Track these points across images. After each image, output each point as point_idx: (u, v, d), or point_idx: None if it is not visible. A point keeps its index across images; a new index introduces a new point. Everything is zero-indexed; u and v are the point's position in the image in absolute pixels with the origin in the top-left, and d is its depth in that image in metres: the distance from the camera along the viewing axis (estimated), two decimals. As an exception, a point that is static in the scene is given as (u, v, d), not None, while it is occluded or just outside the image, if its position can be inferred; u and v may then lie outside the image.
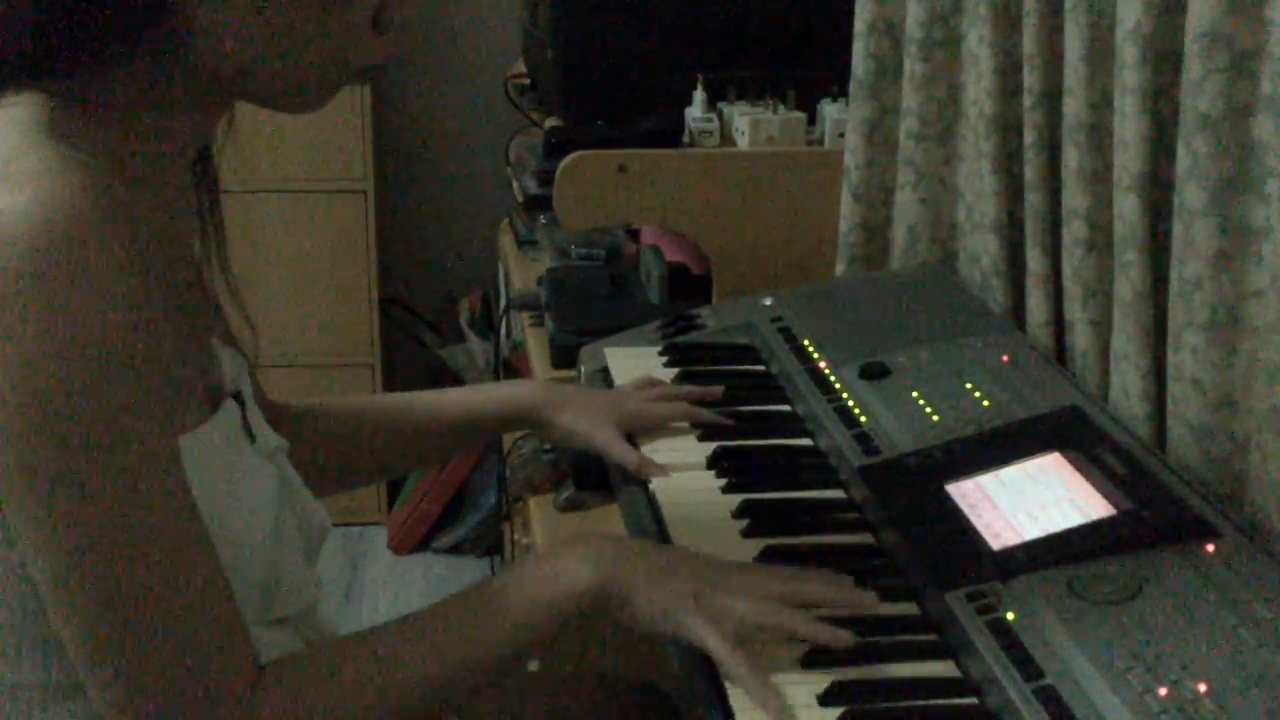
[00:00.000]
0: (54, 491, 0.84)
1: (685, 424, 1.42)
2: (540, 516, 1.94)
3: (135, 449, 0.85)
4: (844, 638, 1.01)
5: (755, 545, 1.18)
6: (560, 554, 1.05)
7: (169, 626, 0.87)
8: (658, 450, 1.37)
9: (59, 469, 0.83)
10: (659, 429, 1.41)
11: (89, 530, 0.85)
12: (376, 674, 0.96)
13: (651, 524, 1.27)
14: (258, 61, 0.94)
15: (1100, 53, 1.39)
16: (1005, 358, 1.43)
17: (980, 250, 1.66)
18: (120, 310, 0.83)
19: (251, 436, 1.06)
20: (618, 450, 1.36)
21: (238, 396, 1.06)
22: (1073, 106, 1.42)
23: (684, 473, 1.33)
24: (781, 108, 1.93)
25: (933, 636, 1.06)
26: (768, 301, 1.68)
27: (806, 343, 1.54)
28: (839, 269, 1.86)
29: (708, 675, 1.02)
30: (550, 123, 2.15)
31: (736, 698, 0.98)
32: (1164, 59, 1.29)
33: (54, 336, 0.82)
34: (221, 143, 1.08)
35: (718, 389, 1.45)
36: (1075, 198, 1.44)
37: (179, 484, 0.88)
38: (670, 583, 1.03)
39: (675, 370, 1.55)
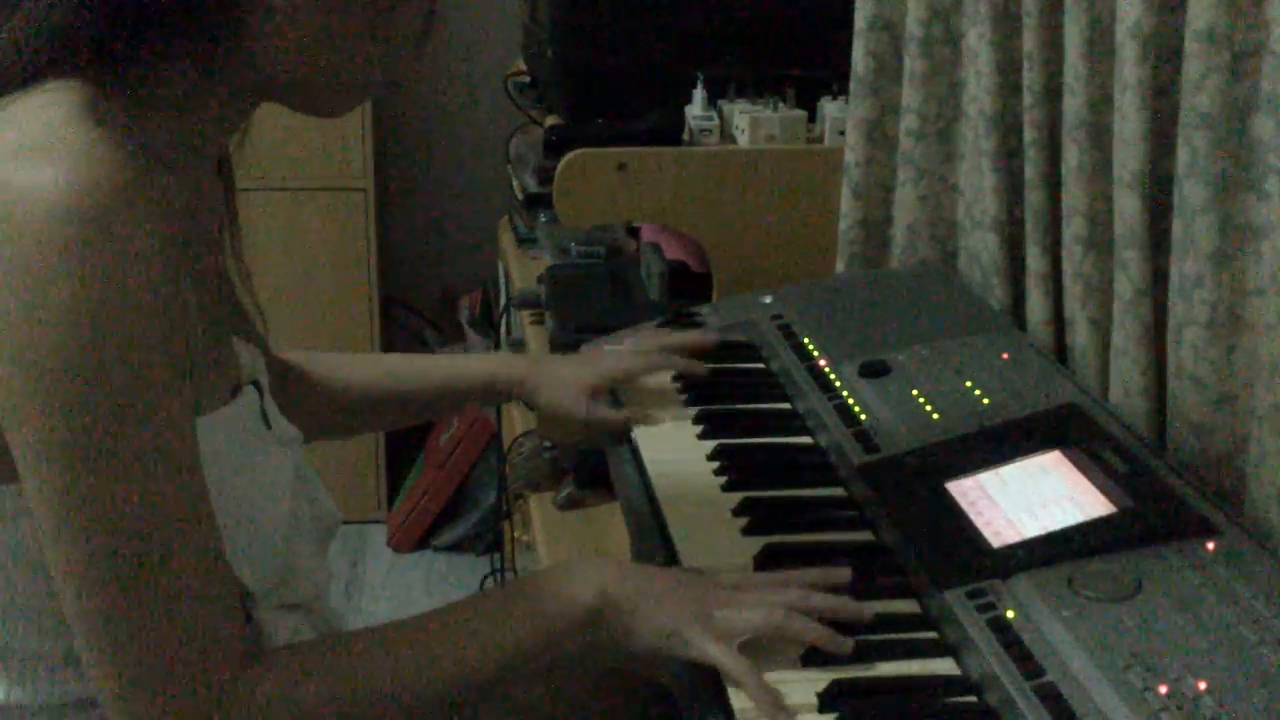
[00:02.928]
0: (67, 459, 0.85)
1: (679, 406, 1.44)
2: (540, 514, 1.94)
3: (153, 423, 0.86)
4: (846, 645, 1.02)
5: (755, 543, 1.18)
6: (560, 572, 1.05)
7: (164, 601, 0.88)
8: (660, 455, 1.37)
9: (75, 437, 0.85)
10: (643, 391, 1.47)
11: (96, 499, 0.86)
12: (367, 677, 0.97)
13: (651, 521, 1.27)
14: (302, 69, 0.96)
15: (1100, 50, 1.38)
16: (1005, 355, 1.43)
17: (980, 248, 1.66)
18: (147, 285, 0.85)
19: (268, 424, 1.08)
20: (598, 416, 1.41)
21: (256, 385, 1.07)
22: (1073, 104, 1.42)
23: (684, 470, 1.33)
24: (781, 105, 1.93)
25: (932, 634, 1.06)
26: (767, 299, 1.67)
27: (806, 340, 1.54)
28: (839, 267, 1.86)
29: (708, 672, 1.02)
30: (550, 121, 2.15)
31: (737, 696, 0.98)
32: (1164, 56, 1.29)
33: (80, 308, 0.83)
34: (239, 138, 1.10)
35: (712, 337, 1.53)
36: (1075, 195, 1.44)
37: (192, 462, 0.90)
38: (671, 603, 1.03)
39: (675, 368, 1.55)
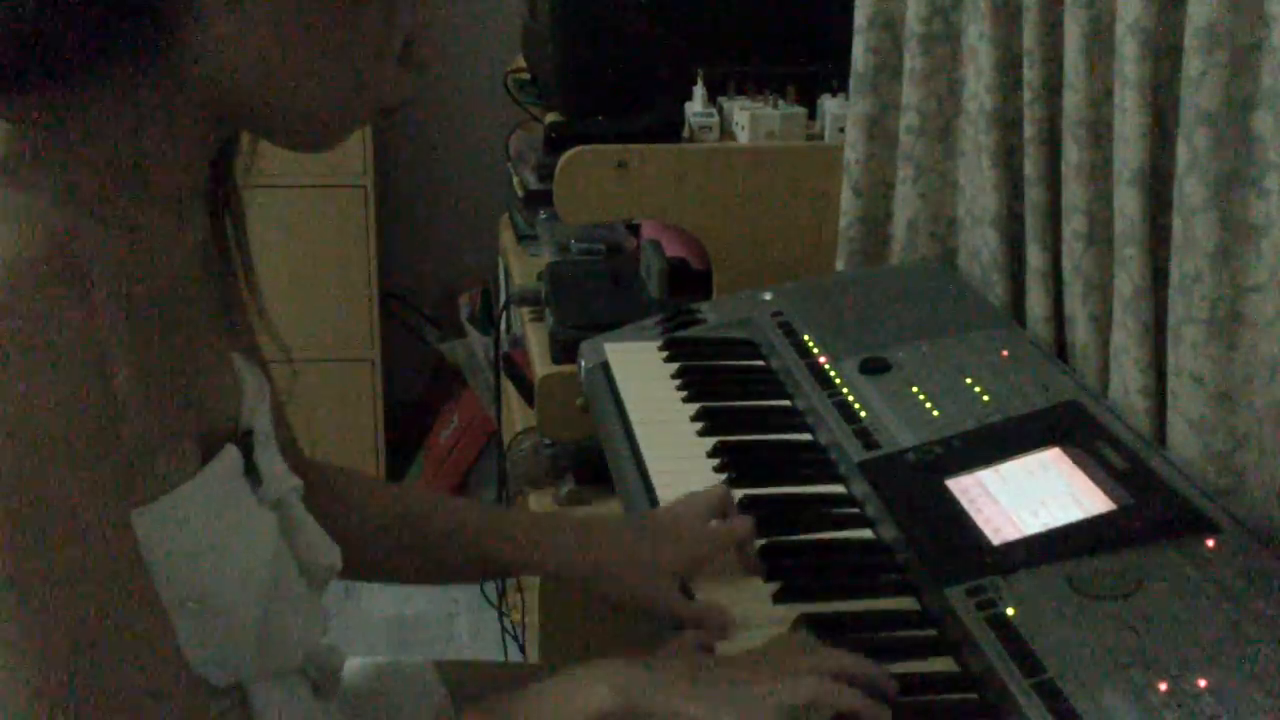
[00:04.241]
0: None
1: (685, 420, 1.42)
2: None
3: (75, 524, 0.76)
4: (885, 716, 0.95)
5: (755, 541, 1.18)
6: (574, 676, 0.96)
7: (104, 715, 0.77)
8: (659, 453, 1.37)
9: None
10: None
11: (22, 607, 0.75)
12: None
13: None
14: (271, 92, 0.85)
15: (1100, 47, 1.38)
16: (1005, 353, 1.43)
17: (980, 245, 1.66)
18: (66, 376, 0.75)
19: (259, 477, 0.98)
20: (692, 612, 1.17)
21: (247, 437, 0.98)
22: (1073, 101, 1.42)
23: (683, 467, 1.33)
24: (781, 102, 1.93)
25: (932, 632, 1.06)
26: (767, 296, 1.68)
27: (806, 338, 1.54)
28: (839, 264, 1.86)
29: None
30: (550, 118, 2.15)
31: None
32: (1164, 53, 1.29)
33: None
34: (247, 155, 1.00)
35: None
36: (1075, 193, 1.44)
37: (126, 562, 0.79)
38: (701, 690, 0.94)
39: (675, 365, 1.55)
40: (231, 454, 0.94)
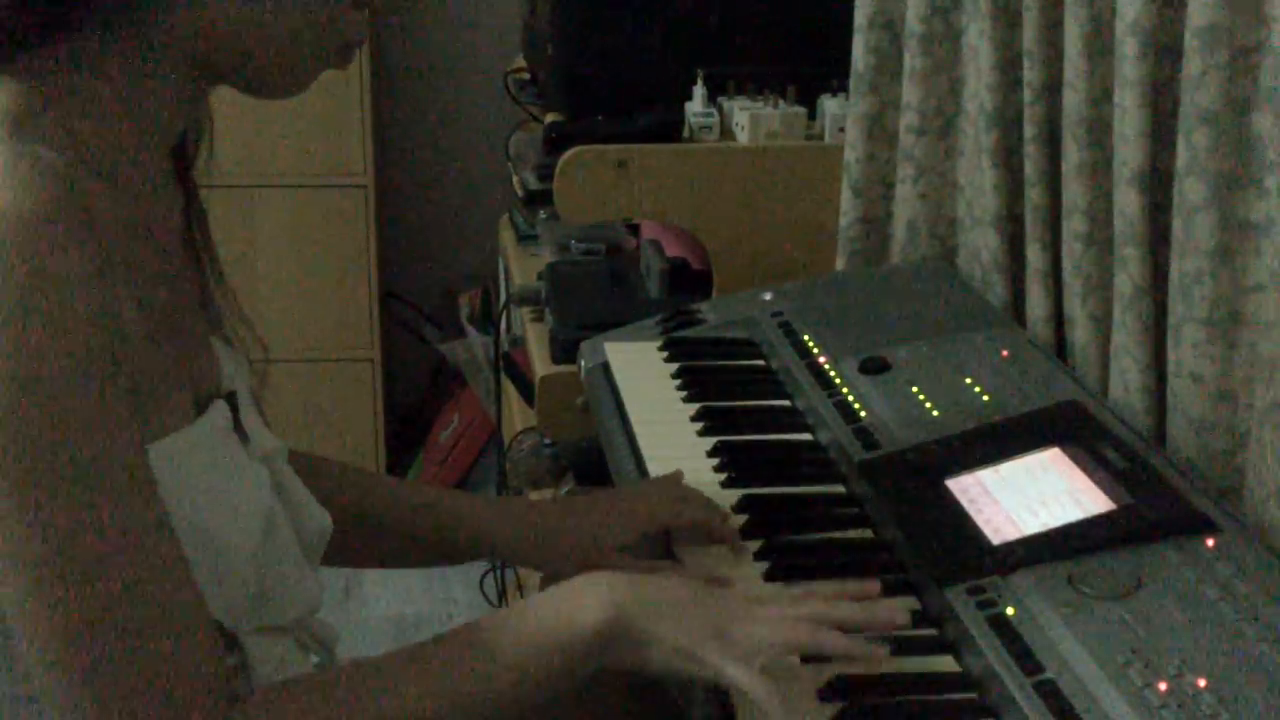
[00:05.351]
0: (12, 504, 0.80)
1: (685, 420, 1.42)
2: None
3: (98, 454, 0.82)
4: (879, 653, 0.96)
5: (755, 540, 1.18)
6: (567, 590, 0.98)
7: (130, 638, 0.83)
8: (659, 453, 1.37)
9: (16, 482, 0.80)
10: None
11: (49, 542, 0.81)
12: (358, 715, 0.90)
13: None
14: (242, 41, 0.92)
15: (1100, 47, 1.38)
16: (1005, 353, 1.43)
17: (980, 245, 1.66)
18: (79, 320, 0.81)
19: (246, 436, 1.02)
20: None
21: (232, 397, 1.02)
22: (1073, 101, 1.42)
23: (684, 467, 1.33)
24: (781, 102, 1.93)
25: (932, 631, 1.06)
26: (768, 296, 1.68)
27: (806, 337, 1.54)
28: (839, 264, 1.86)
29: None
30: (550, 118, 2.15)
31: (737, 694, 0.98)
32: (1164, 53, 1.29)
33: (8, 350, 0.79)
34: (208, 147, 1.05)
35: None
36: (1075, 192, 1.44)
37: (148, 490, 0.85)
38: (688, 619, 0.95)
39: (675, 365, 1.55)
40: (221, 408, 0.98)
